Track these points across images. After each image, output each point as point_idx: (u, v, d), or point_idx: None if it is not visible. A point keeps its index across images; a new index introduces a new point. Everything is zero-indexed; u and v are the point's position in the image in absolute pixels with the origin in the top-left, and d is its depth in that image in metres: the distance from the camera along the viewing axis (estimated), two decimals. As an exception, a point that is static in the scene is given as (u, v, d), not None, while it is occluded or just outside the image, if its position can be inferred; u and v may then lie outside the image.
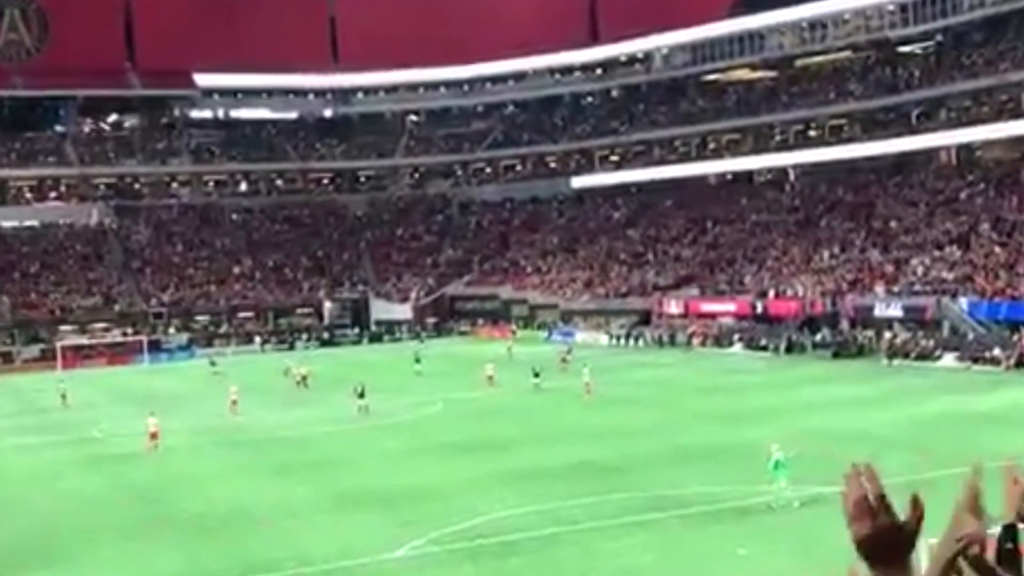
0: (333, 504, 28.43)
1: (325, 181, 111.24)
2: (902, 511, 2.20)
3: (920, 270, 64.27)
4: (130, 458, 37.89)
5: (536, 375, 50.47)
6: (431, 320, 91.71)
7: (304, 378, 55.90)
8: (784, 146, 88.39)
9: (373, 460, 34.85)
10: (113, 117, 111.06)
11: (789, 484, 25.00)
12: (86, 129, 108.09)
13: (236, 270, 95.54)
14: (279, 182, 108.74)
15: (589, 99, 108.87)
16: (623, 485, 28.38)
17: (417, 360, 60.52)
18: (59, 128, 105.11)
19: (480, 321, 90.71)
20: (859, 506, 2.15)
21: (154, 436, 38.96)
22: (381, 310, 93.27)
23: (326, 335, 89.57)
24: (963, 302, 58.23)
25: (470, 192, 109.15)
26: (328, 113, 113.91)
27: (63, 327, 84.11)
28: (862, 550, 2.17)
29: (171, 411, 49.56)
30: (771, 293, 70.12)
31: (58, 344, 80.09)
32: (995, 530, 3.10)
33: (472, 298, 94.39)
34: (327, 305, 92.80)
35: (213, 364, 67.08)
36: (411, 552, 23.15)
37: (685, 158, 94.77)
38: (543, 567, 21.72)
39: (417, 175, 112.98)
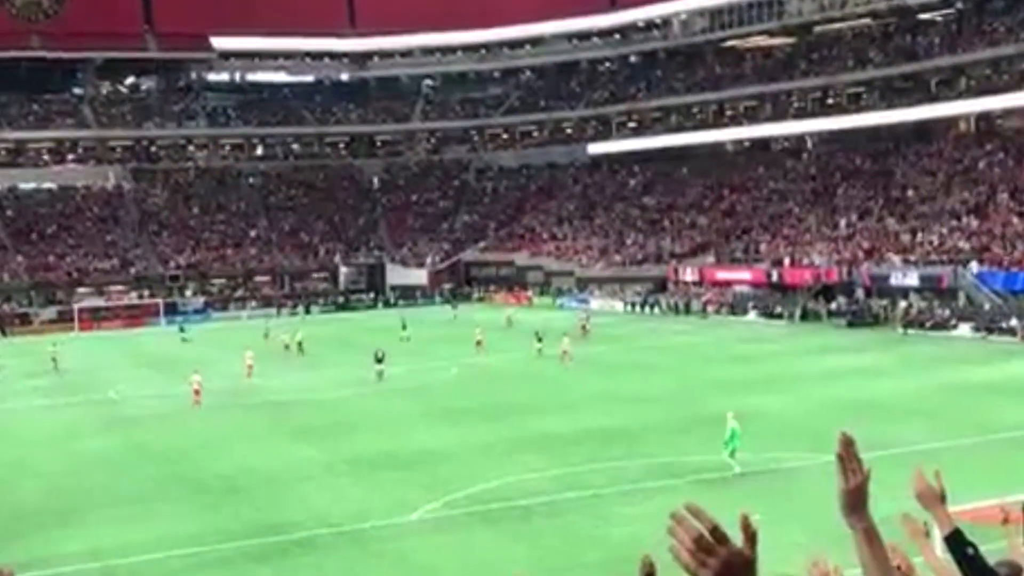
0: (348, 467, 28.66)
1: (341, 145, 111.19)
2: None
3: (937, 239, 64.03)
4: (146, 420, 38.20)
5: (539, 340, 50.92)
6: (447, 286, 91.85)
7: (300, 344, 55.81)
8: (802, 113, 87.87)
9: (388, 424, 35.07)
10: (130, 79, 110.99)
11: (734, 455, 25.49)
12: (103, 91, 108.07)
13: (252, 234, 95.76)
14: (295, 146, 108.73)
15: (607, 65, 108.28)
16: (638, 451, 28.53)
17: (404, 327, 60.24)
18: (76, 90, 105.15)
19: (492, 287, 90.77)
20: (700, 545, 2.04)
21: (197, 392, 40.35)
22: (397, 275, 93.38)
23: (341, 299, 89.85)
24: (977, 271, 58.03)
25: (486, 158, 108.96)
26: (345, 77, 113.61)
27: (80, 289, 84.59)
28: (852, 499, 2.36)
29: (188, 374, 49.99)
30: (787, 261, 69.96)
31: (75, 306, 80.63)
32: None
33: (488, 264, 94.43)
34: (343, 270, 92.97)
35: (182, 331, 66.87)
36: (426, 515, 23.36)
37: (702, 125, 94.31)
38: (557, 531, 21.89)
39: (433, 140, 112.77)
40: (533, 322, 61.38)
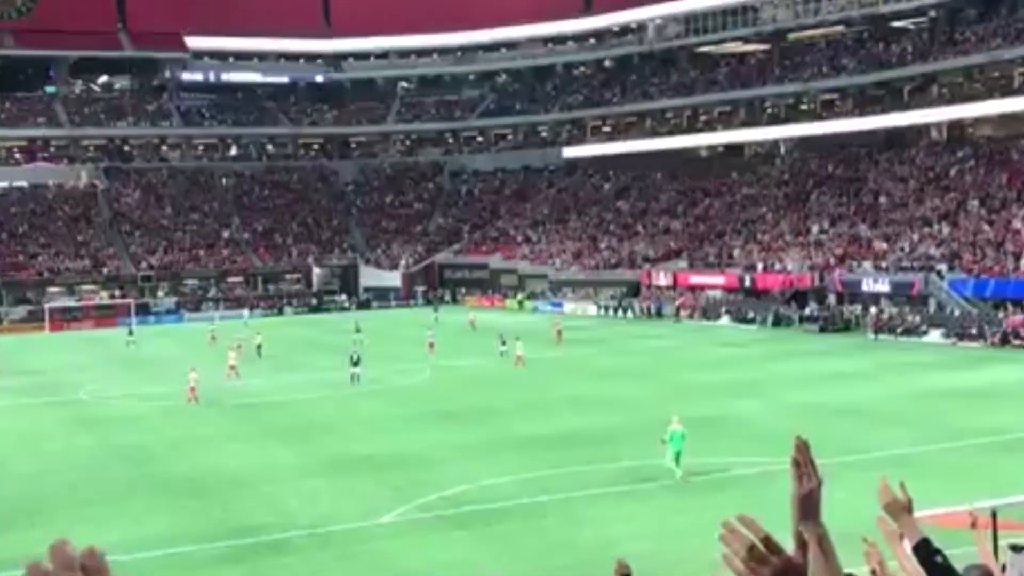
0: (321, 469, 28.57)
1: (316, 147, 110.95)
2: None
3: (908, 246, 64.51)
4: (117, 421, 37.96)
5: (503, 343, 51.19)
6: (420, 288, 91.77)
7: (258, 347, 55.19)
8: (775, 120, 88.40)
9: (361, 426, 34.99)
10: (104, 78, 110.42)
11: (675, 460, 25.49)
12: (76, 90, 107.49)
13: (225, 234, 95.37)
14: (269, 147, 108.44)
15: (581, 69, 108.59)
16: (610, 455, 28.59)
17: (357, 330, 59.53)
18: (49, 89, 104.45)
19: (463, 290, 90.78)
20: (753, 555, 2.10)
21: (193, 390, 40.58)
22: (370, 277, 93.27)
23: (315, 301, 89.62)
24: (948, 278, 58.52)
25: (461, 160, 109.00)
26: (320, 78, 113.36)
27: (51, 289, 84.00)
28: (805, 504, 2.32)
29: (160, 375, 49.78)
30: (759, 266, 70.33)
31: (46, 306, 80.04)
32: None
33: (462, 267, 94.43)
34: (316, 271, 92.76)
35: (130, 334, 66.48)
36: (398, 518, 23.32)
37: (676, 130, 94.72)
38: (529, 534, 21.90)
39: (408, 142, 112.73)
40: (503, 325, 61.35)
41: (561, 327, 59.82)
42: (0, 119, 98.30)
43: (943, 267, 59.70)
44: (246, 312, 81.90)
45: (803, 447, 2.60)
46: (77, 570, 1.40)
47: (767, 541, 2.11)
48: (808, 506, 2.51)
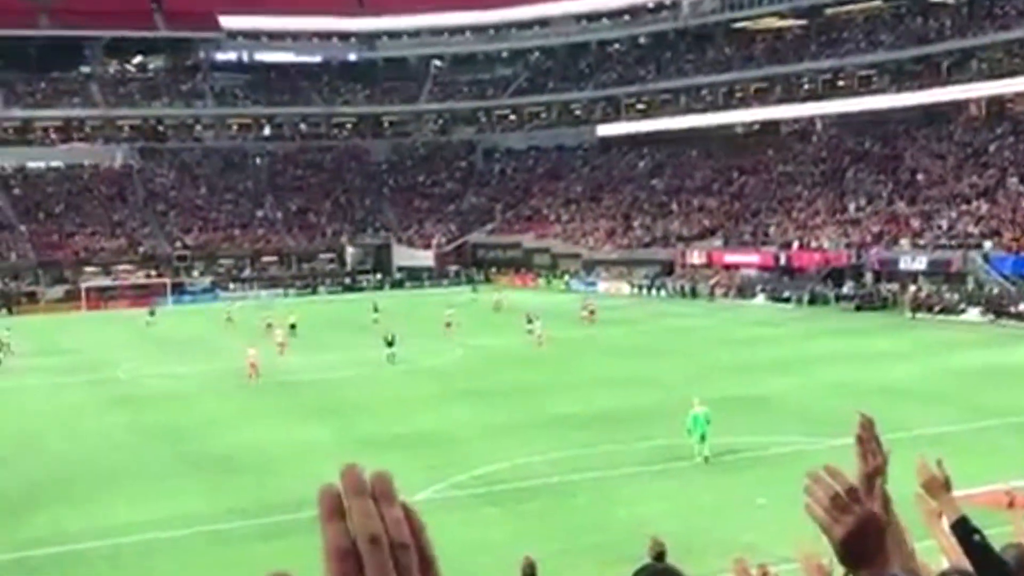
0: (355, 447, 28.66)
1: (349, 126, 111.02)
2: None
3: (946, 223, 63.82)
4: (153, 399, 38.28)
5: (529, 321, 50.99)
6: (452, 268, 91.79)
7: (292, 326, 54.47)
8: (812, 96, 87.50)
9: (395, 405, 35.08)
10: (138, 58, 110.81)
11: (701, 442, 25.20)
12: (111, 70, 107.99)
13: (259, 214, 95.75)
14: (303, 126, 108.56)
15: (616, 46, 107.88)
16: (644, 434, 28.51)
17: (375, 309, 60.16)
18: (84, 69, 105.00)
19: (495, 270, 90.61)
20: (836, 504, 2.14)
21: (253, 367, 41.00)
22: (403, 256, 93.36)
23: (348, 280, 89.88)
24: (988, 255, 57.85)
25: (494, 139, 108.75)
26: (352, 57, 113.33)
27: (88, 268, 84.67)
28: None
29: (195, 353, 50.12)
30: (795, 245, 69.81)
31: (82, 285, 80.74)
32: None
33: (495, 246, 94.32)
34: (349, 250, 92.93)
35: (151, 315, 66.32)
36: (433, 495, 23.36)
37: (712, 107, 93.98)
38: (563, 513, 21.89)
39: (441, 121, 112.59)
40: (531, 304, 60.58)
41: (594, 307, 59.15)
42: (36, 100, 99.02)
43: (988, 244, 58.94)
44: (262, 294, 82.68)
45: (867, 424, 2.62)
46: (368, 495, 1.46)
47: (851, 491, 2.15)
48: (873, 484, 2.53)
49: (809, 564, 3.56)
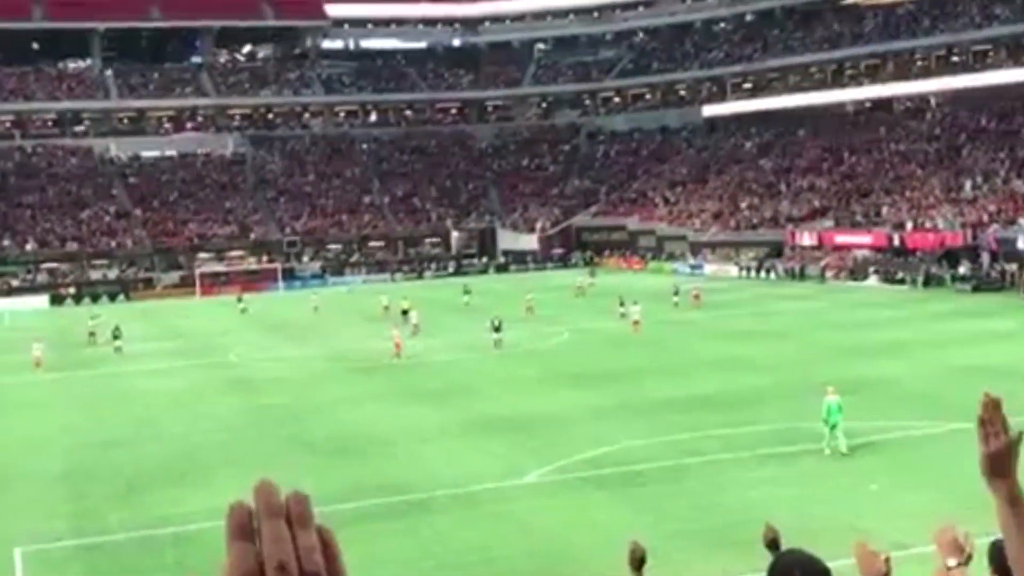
0: (462, 430, 28.80)
1: (453, 111, 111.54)
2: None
3: (1068, 201, 61.66)
4: (264, 382, 38.96)
5: (622, 304, 50.54)
6: (557, 251, 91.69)
7: (404, 311, 53.85)
8: (925, 72, 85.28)
9: (501, 388, 35.14)
10: (247, 48, 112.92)
11: (836, 433, 23.83)
12: (221, 60, 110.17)
13: (366, 200, 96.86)
14: (408, 112, 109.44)
15: (721, 25, 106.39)
16: (753, 418, 28.09)
17: (466, 291, 61.77)
18: (195, 59, 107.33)
19: (591, 254, 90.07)
20: (996, 422, 2.53)
21: (398, 346, 42.32)
22: (508, 240, 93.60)
23: (454, 264, 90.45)
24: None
25: (598, 122, 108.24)
26: (456, 43, 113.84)
27: (201, 255, 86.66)
28: (993, 463, 2.51)
29: (306, 338, 50.90)
30: (909, 225, 68.09)
31: (196, 271, 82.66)
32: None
33: (599, 229, 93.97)
34: (454, 235, 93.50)
35: (239, 300, 66.39)
36: (539, 479, 23.34)
37: (821, 85, 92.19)
38: (672, 497, 21.66)
39: (544, 104, 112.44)
40: (629, 288, 59.70)
41: (699, 291, 58.05)
42: (149, 90, 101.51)
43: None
44: (351, 280, 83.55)
45: (990, 405, 2.57)
46: (282, 516, 1.34)
47: (1005, 423, 2.54)
48: (996, 465, 2.53)
49: (944, 537, 3.52)
